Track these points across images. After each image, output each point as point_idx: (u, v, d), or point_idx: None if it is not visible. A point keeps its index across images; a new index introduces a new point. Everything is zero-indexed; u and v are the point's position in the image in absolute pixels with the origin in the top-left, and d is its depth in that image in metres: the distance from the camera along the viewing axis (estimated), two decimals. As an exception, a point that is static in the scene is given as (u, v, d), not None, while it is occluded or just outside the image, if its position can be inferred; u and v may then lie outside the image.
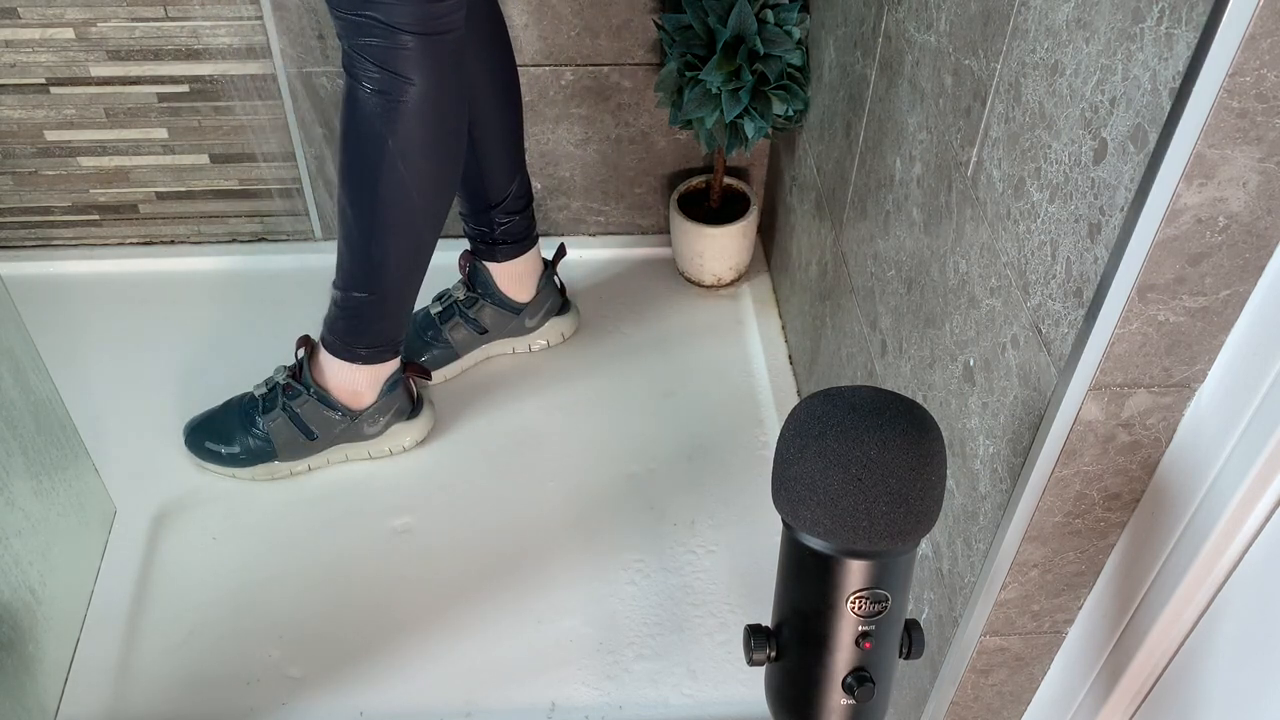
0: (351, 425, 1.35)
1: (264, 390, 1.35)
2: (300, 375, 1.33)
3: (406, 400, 1.38)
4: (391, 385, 1.34)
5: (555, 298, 1.51)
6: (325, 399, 1.32)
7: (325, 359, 1.32)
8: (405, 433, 1.39)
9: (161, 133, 1.53)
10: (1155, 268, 0.59)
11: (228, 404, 1.38)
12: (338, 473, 1.38)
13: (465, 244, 1.46)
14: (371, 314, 1.27)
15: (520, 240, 1.43)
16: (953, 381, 0.88)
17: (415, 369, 1.40)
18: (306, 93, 1.49)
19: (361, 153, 1.14)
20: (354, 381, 1.32)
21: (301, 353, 1.34)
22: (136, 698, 1.17)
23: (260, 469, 1.35)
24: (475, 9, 1.22)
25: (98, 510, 1.29)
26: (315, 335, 1.34)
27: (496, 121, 1.33)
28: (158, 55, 1.45)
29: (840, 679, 0.59)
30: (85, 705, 1.16)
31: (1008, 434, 0.77)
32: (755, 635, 0.61)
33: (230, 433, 1.35)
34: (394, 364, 1.34)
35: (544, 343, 1.53)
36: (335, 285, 1.26)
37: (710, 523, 1.34)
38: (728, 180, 1.60)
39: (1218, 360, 0.63)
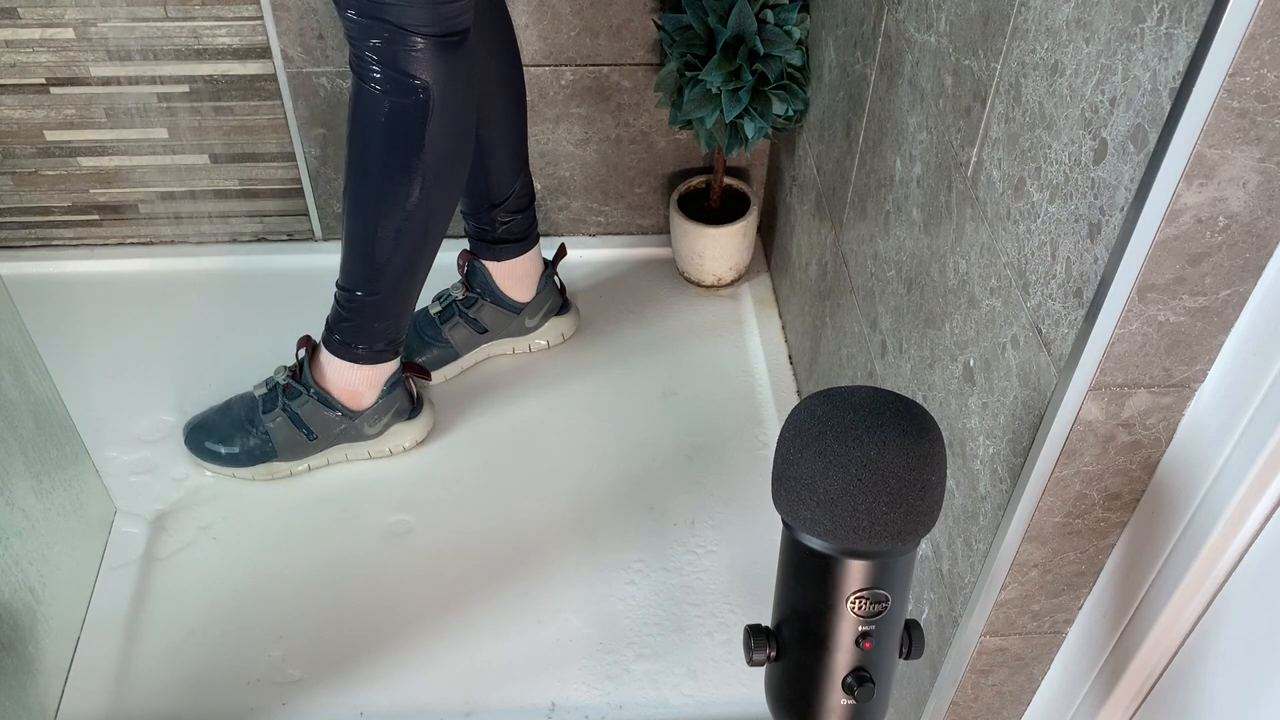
0: (351, 425, 1.35)
1: (264, 390, 1.35)
2: (300, 375, 1.33)
3: (406, 400, 1.38)
4: (391, 386, 1.34)
5: (555, 298, 1.51)
6: (325, 399, 1.32)
7: (325, 359, 1.32)
8: (405, 433, 1.39)
9: (161, 133, 1.53)
10: (1155, 268, 0.59)
11: (228, 404, 1.38)
12: (338, 473, 1.38)
13: (464, 243, 1.46)
14: (373, 314, 1.27)
15: (521, 240, 1.43)
16: (953, 381, 0.88)
17: (415, 369, 1.40)
18: (306, 93, 1.49)
19: (368, 154, 1.14)
20: (354, 382, 1.32)
21: (302, 353, 1.34)
22: (136, 698, 1.17)
23: (260, 469, 1.35)
24: (484, 10, 1.22)
25: (98, 510, 1.29)
26: (315, 335, 1.34)
27: (503, 121, 1.33)
28: (158, 55, 1.45)
29: (840, 679, 0.59)
30: (85, 705, 1.16)
31: (1008, 434, 0.77)
32: (755, 635, 0.61)
33: (230, 433, 1.35)
34: (394, 365, 1.34)
35: (544, 343, 1.53)
36: (338, 284, 1.26)
37: (710, 523, 1.34)
38: (728, 180, 1.60)
39: (1218, 360, 0.63)
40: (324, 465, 1.38)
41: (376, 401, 1.34)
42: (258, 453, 1.34)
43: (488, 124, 1.30)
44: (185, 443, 1.37)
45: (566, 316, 1.53)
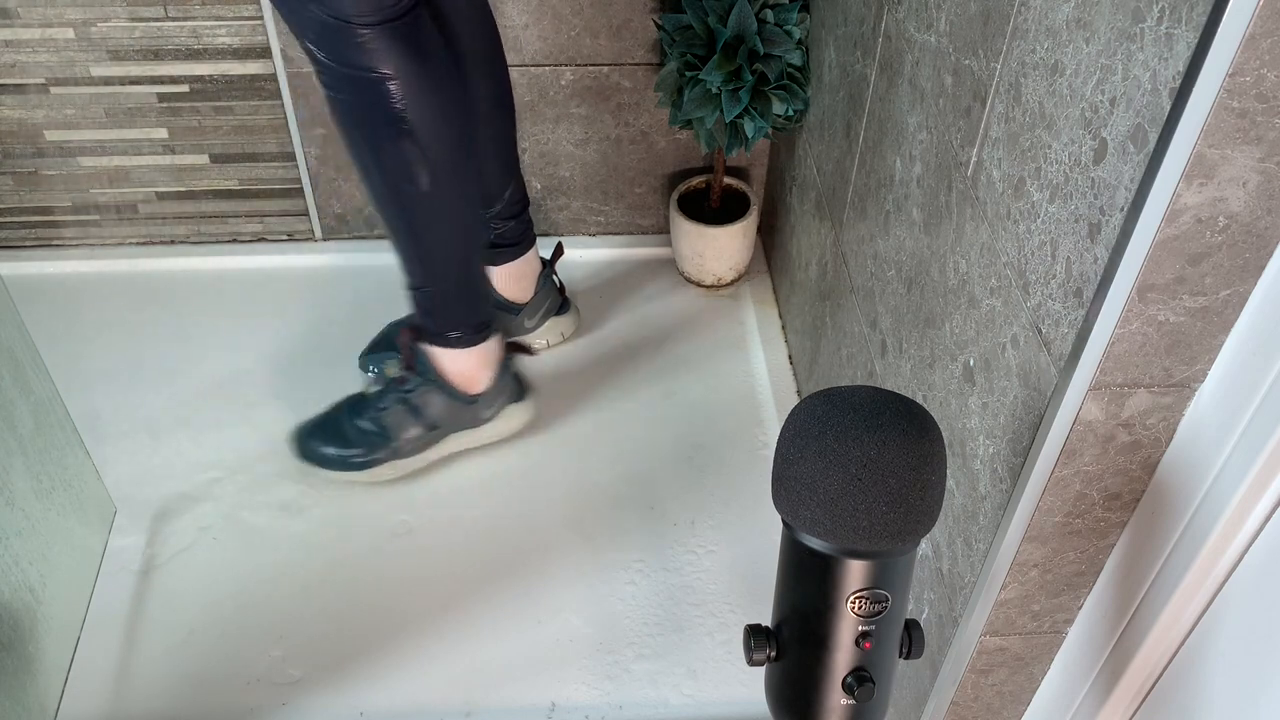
0: (468, 410, 1.33)
1: (377, 387, 1.34)
2: (412, 367, 1.32)
3: (514, 381, 1.38)
4: (503, 366, 1.34)
5: (554, 297, 1.51)
6: (442, 387, 1.31)
7: (432, 351, 1.30)
8: (517, 414, 1.39)
9: (161, 133, 1.53)
10: (1155, 268, 0.59)
11: (337, 406, 1.35)
12: (337, 473, 1.38)
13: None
14: (444, 302, 1.26)
15: (517, 244, 1.43)
16: (953, 381, 0.88)
17: (518, 347, 1.40)
18: (306, 93, 1.49)
19: (365, 158, 1.13)
20: (467, 365, 1.31)
21: (408, 344, 1.31)
22: (136, 698, 1.17)
23: (384, 469, 1.33)
24: (467, 17, 1.21)
25: (98, 510, 1.29)
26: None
27: (489, 127, 1.32)
28: (158, 55, 1.45)
29: (840, 679, 0.59)
30: (85, 705, 1.16)
31: (1008, 434, 0.77)
32: (755, 635, 0.61)
33: (346, 435, 1.33)
34: (497, 343, 1.33)
35: (544, 342, 1.53)
36: (406, 286, 1.26)
37: (710, 523, 1.34)
38: (728, 180, 1.60)
39: (1218, 360, 0.63)
40: (441, 457, 1.36)
41: (491, 384, 1.33)
42: (381, 451, 1.32)
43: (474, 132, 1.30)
44: (296, 453, 1.34)
45: (566, 316, 1.53)
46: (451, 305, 1.27)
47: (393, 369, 1.34)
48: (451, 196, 1.18)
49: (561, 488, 1.38)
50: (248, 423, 1.43)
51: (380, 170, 1.14)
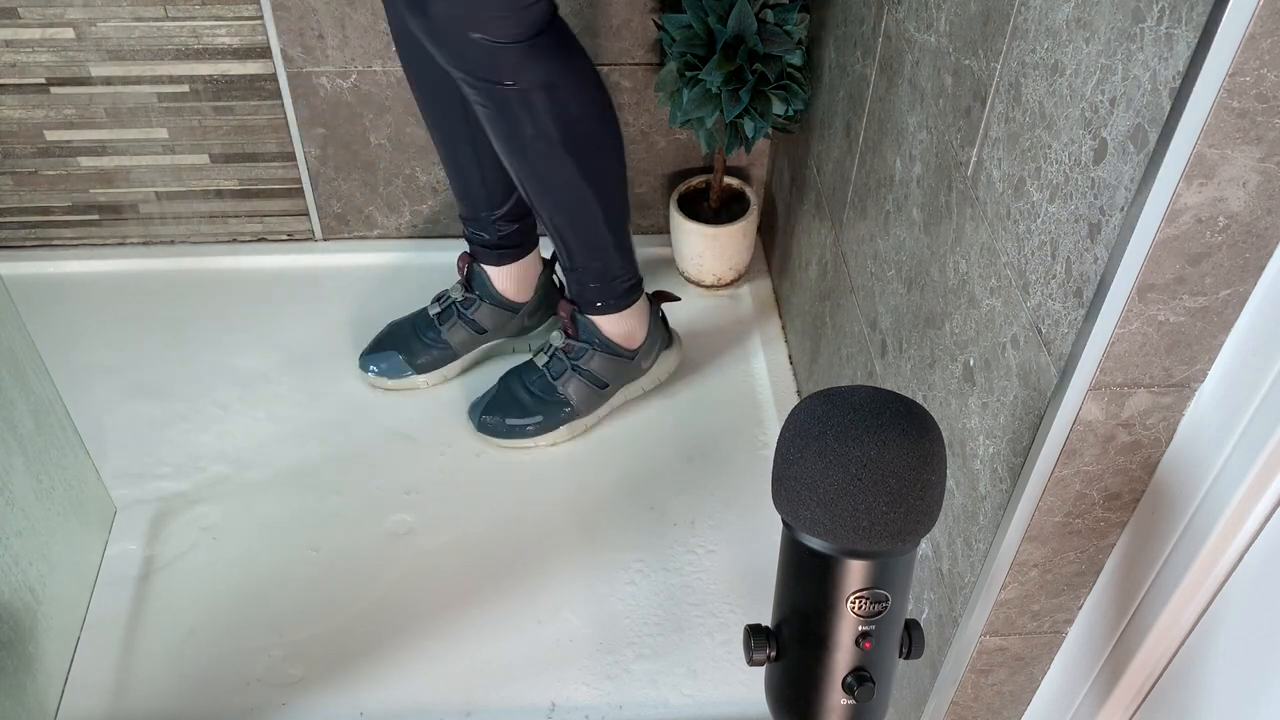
0: (631, 364, 1.42)
1: (545, 359, 1.41)
2: (577, 335, 1.39)
3: (664, 328, 1.45)
4: (655, 318, 1.42)
5: (556, 297, 1.51)
6: (608, 347, 1.39)
7: (594, 319, 1.37)
8: (669, 360, 1.47)
9: (161, 133, 1.53)
10: (1155, 268, 0.59)
11: (505, 382, 1.43)
12: (335, 472, 1.38)
13: (464, 245, 1.46)
14: (600, 275, 1.34)
15: (519, 245, 1.43)
16: (953, 381, 0.88)
17: (663, 296, 1.46)
18: (306, 93, 1.49)
19: (524, 165, 1.21)
20: (626, 325, 1.39)
21: (569, 316, 1.39)
22: (136, 697, 1.17)
23: (562, 430, 1.41)
24: None
25: (98, 510, 1.29)
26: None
27: None
28: (158, 55, 1.45)
29: (840, 679, 0.59)
30: (85, 705, 1.16)
31: (1008, 434, 0.77)
32: (755, 635, 0.61)
33: (526, 406, 1.40)
34: (645, 299, 1.41)
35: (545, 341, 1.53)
36: (567, 269, 1.34)
37: (710, 523, 1.34)
38: (728, 180, 1.60)
39: (1218, 360, 0.63)
40: (612, 411, 1.44)
41: (648, 336, 1.41)
42: (560, 415, 1.41)
43: (483, 135, 1.30)
44: (481, 429, 1.42)
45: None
46: (607, 277, 1.35)
47: (558, 339, 1.41)
48: (603, 182, 1.26)
49: (561, 487, 1.38)
50: (248, 422, 1.43)
51: (538, 172, 1.21)
